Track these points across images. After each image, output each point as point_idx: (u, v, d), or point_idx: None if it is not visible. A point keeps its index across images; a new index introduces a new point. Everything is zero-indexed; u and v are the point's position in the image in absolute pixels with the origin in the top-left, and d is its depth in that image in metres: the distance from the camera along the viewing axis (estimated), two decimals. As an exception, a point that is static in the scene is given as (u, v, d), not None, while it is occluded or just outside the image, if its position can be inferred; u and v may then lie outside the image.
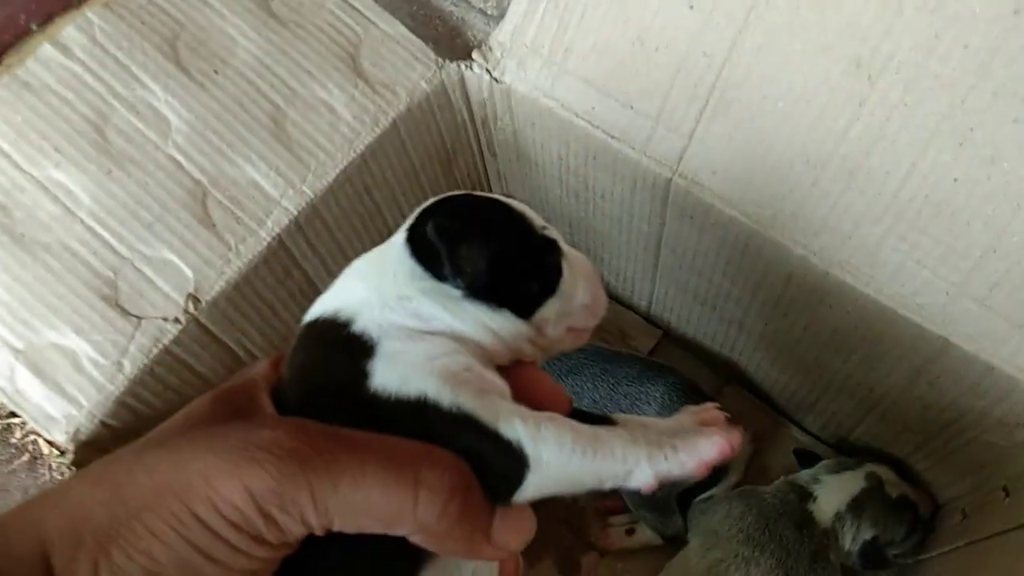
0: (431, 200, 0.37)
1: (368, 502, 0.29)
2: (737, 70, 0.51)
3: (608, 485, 0.32)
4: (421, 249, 0.34)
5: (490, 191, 0.77)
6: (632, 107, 0.56)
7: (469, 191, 0.41)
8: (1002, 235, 0.47)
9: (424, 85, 0.60)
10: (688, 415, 0.36)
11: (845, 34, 0.47)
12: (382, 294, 0.34)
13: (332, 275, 0.37)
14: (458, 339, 0.33)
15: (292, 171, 0.56)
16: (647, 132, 0.56)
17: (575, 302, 0.37)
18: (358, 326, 0.33)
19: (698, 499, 0.67)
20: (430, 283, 0.34)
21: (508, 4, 0.59)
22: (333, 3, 0.59)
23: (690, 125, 0.54)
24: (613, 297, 0.80)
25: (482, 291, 0.33)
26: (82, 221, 0.52)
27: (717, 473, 0.65)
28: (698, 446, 0.32)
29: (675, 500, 0.67)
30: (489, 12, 0.64)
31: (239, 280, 0.54)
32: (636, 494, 0.66)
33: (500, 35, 0.60)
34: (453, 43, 0.68)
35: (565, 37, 0.57)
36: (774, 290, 0.59)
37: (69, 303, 0.51)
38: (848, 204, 0.50)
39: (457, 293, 0.33)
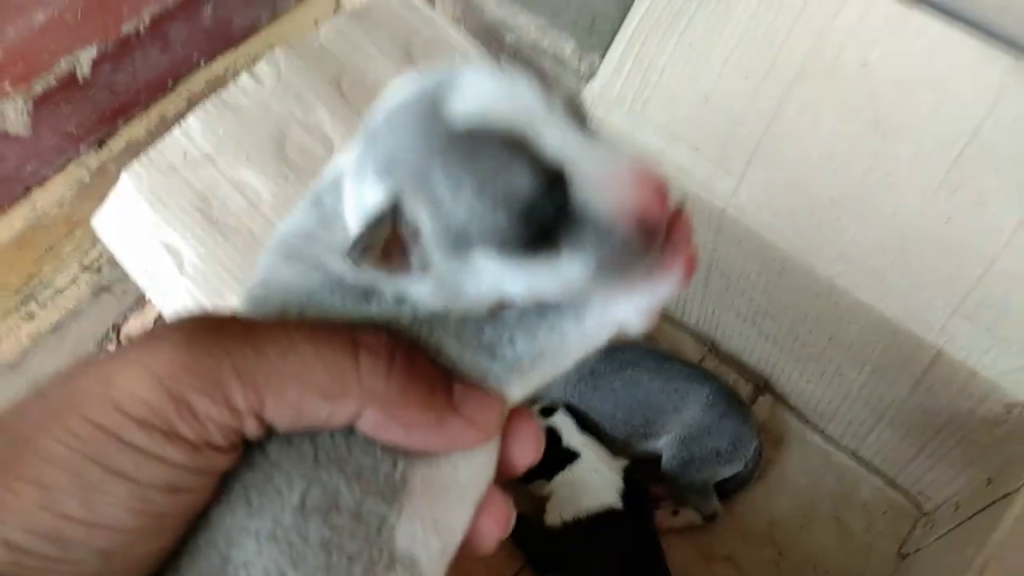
0: None
1: (302, 368, 0.25)
2: (780, 126, 0.65)
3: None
4: None
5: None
6: (697, 149, 0.70)
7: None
8: (987, 265, 0.59)
9: (527, 125, 0.75)
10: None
11: (866, 103, 0.61)
12: None
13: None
14: None
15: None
16: (707, 170, 0.70)
17: None
18: None
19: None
20: None
21: (598, 66, 0.74)
22: (461, 58, 0.75)
23: (741, 168, 0.68)
24: (667, 316, 0.93)
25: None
26: (263, 213, 0.67)
27: (733, 453, 0.77)
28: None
29: (713, 485, 0.79)
30: (580, 73, 0.79)
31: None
32: (680, 481, 0.78)
33: (593, 87, 0.74)
34: (549, 94, 0.83)
35: (644, 93, 0.71)
36: (803, 308, 0.71)
37: (250, 276, 0.65)
38: (864, 237, 0.63)
39: None
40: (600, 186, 0.26)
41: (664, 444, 0.79)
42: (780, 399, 0.87)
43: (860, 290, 0.65)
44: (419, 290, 0.29)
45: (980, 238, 0.59)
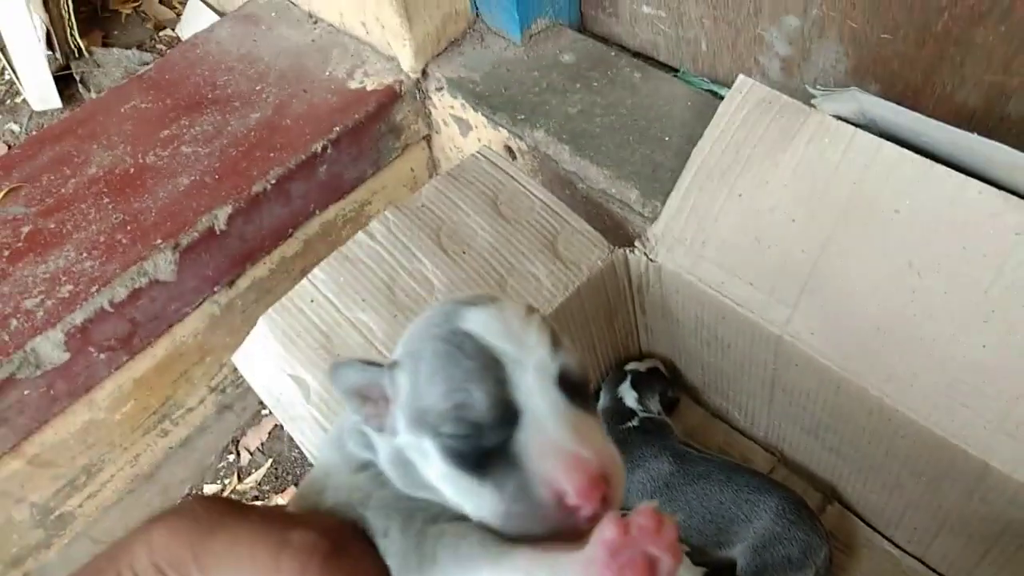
0: None
1: (239, 558, 0.32)
2: (826, 263, 0.73)
3: None
4: None
5: (638, 341, 1.00)
6: (751, 284, 0.79)
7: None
8: (1022, 386, 0.66)
9: (599, 263, 0.85)
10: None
11: (900, 244, 0.69)
12: None
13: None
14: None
15: (510, 320, 0.81)
16: (763, 302, 0.78)
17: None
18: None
19: None
20: None
21: (660, 210, 0.84)
22: (540, 207, 0.86)
23: (794, 299, 0.76)
24: (736, 428, 1.00)
25: None
26: (376, 348, 0.78)
27: (804, 560, 0.82)
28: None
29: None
30: (645, 215, 0.89)
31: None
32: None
33: (655, 229, 0.84)
34: (617, 233, 0.93)
35: (701, 236, 0.81)
36: (860, 423, 0.78)
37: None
38: (908, 362, 0.71)
39: None
40: (541, 449, 0.28)
41: (738, 552, 0.85)
42: (848, 507, 0.92)
43: (908, 409, 0.72)
44: (384, 455, 0.33)
45: (1014, 362, 0.66)
